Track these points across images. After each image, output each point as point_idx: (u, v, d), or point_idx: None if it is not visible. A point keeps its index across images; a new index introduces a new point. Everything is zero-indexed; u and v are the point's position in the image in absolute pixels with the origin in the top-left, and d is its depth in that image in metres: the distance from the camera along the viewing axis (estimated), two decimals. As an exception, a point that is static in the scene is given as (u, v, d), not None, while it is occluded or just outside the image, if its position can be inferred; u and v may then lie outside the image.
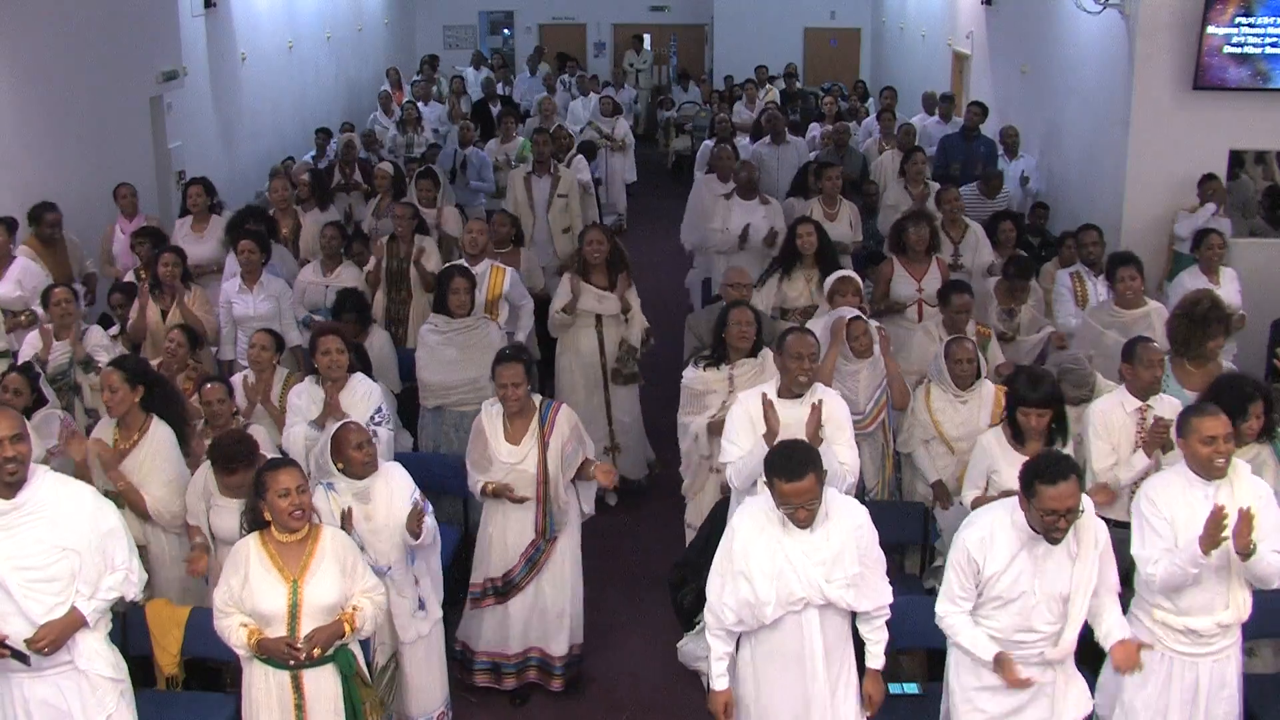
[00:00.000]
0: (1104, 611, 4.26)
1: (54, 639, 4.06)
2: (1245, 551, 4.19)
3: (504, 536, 5.51)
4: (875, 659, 4.43)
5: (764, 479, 4.29)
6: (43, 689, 4.15)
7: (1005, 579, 4.17)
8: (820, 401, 5.12)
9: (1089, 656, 4.77)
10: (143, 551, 5.20)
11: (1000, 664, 4.19)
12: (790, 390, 5.16)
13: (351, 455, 4.91)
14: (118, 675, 4.31)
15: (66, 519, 4.11)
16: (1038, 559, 4.16)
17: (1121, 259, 6.79)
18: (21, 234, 7.75)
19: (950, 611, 4.29)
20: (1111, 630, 4.24)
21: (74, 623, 4.12)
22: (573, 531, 5.68)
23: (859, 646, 4.45)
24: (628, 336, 7.40)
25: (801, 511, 4.14)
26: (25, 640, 4.03)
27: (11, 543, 4.03)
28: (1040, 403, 5.08)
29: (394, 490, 4.96)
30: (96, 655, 4.23)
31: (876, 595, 4.33)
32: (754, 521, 4.28)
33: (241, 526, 4.49)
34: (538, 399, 5.53)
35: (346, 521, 4.78)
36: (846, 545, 4.22)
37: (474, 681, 5.68)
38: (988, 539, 4.21)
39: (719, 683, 4.40)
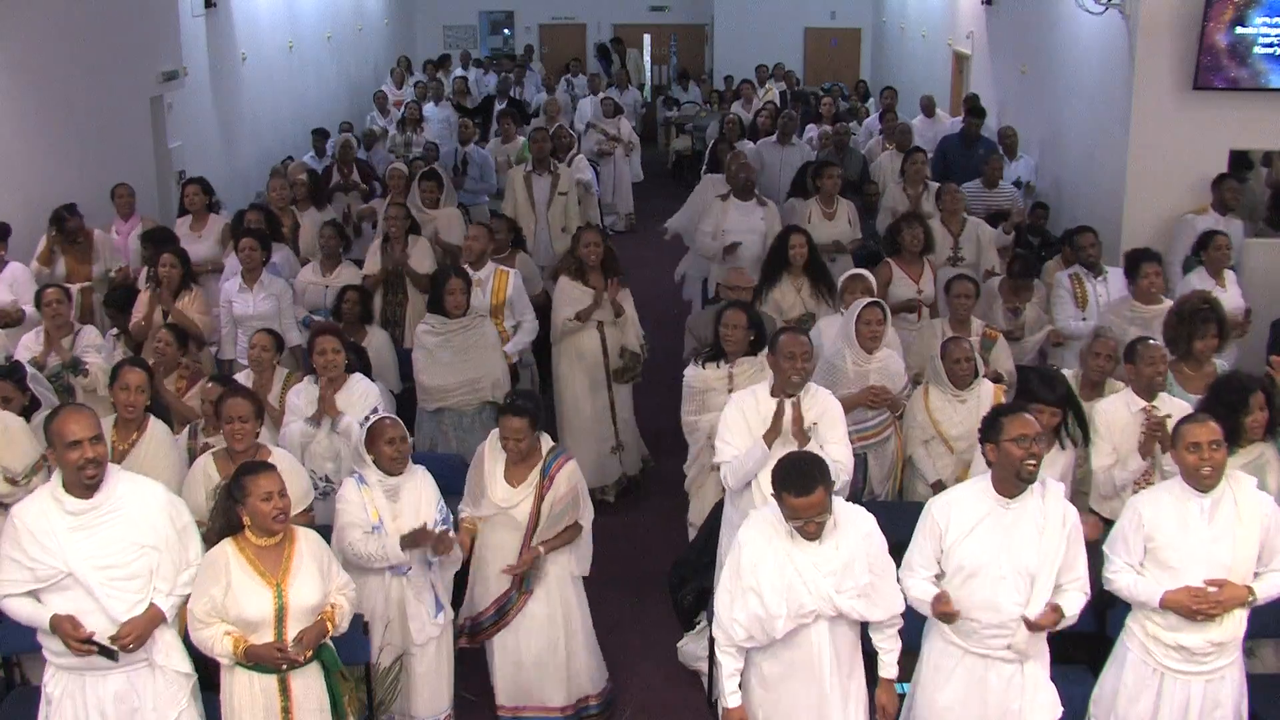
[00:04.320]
0: (1063, 597, 4.21)
1: (138, 635, 4.11)
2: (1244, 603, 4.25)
3: (486, 578, 5.31)
4: (888, 668, 4.37)
5: (770, 490, 4.26)
6: (117, 685, 4.17)
7: (968, 545, 4.16)
8: (798, 399, 5.06)
9: (1088, 655, 4.78)
10: None
11: (938, 599, 4.20)
12: (784, 390, 5.11)
13: (382, 449, 4.94)
14: (191, 670, 4.34)
15: (144, 516, 4.16)
16: (1005, 528, 4.16)
17: (1144, 255, 6.78)
18: (21, 235, 7.76)
19: (908, 579, 4.29)
20: (1062, 603, 4.20)
21: (154, 618, 4.16)
22: (569, 591, 5.38)
23: (868, 656, 4.42)
24: (626, 342, 7.38)
25: (811, 525, 4.11)
26: (109, 638, 4.07)
27: (92, 542, 4.07)
28: (1054, 403, 5.09)
29: (422, 493, 5.01)
30: (173, 650, 4.27)
31: (889, 604, 4.27)
32: (761, 534, 4.23)
33: (211, 532, 4.41)
34: (546, 445, 5.25)
35: (424, 536, 4.84)
36: (856, 554, 4.18)
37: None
38: (953, 503, 4.26)
39: (731, 699, 4.32)
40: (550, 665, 5.36)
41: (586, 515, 5.39)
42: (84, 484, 4.07)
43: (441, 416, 6.75)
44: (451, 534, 5.03)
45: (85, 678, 4.16)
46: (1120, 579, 4.36)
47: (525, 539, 5.20)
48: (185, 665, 4.31)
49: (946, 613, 4.21)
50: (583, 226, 7.98)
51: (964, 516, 4.20)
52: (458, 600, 5.58)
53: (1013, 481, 4.17)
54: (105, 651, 4.08)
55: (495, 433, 5.29)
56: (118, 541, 4.10)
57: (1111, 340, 5.82)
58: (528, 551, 5.17)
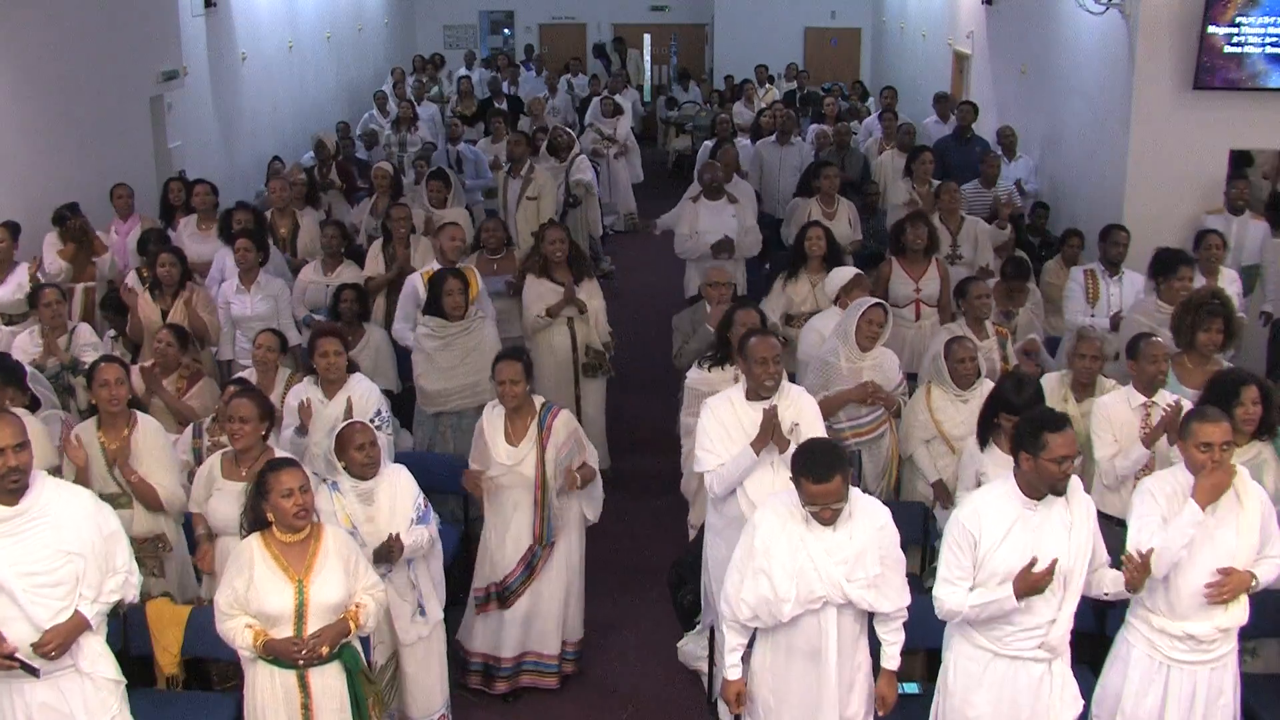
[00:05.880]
0: (1100, 575, 4.28)
1: (60, 643, 4.06)
2: (1247, 588, 4.27)
3: (503, 541, 5.51)
4: (891, 660, 4.44)
5: (756, 496, 4.29)
6: (44, 693, 4.12)
7: (1003, 551, 4.15)
8: (775, 406, 5.02)
9: (1088, 655, 4.78)
10: (158, 542, 5.29)
11: (1022, 579, 4.09)
12: (757, 394, 5.08)
13: (352, 455, 4.92)
14: (119, 677, 4.31)
15: (70, 523, 4.11)
16: (1034, 529, 4.16)
17: (1182, 258, 6.76)
18: (30, 233, 7.76)
19: (949, 593, 4.23)
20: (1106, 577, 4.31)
21: (78, 626, 4.12)
22: (573, 536, 5.65)
23: (873, 647, 4.46)
24: (589, 340, 7.38)
25: (827, 511, 4.19)
26: (31, 645, 4.03)
27: (17, 549, 4.02)
28: (1019, 407, 5.04)
29: (398, 494, 4.98)
30: (100, 657, 4.23)
31: (897, 597, 4.33)
32: (777, 518, 4.30)
33: (241, 527, 4.48)
34: (539, 401, 5.50)
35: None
36: (869, 545, 4.25)
37: (466, 682, 5.68)
38: (981, 510, 4.23)
39: (731, 672, 4.44)
40: (553, 613, 5.59)
41: (592, 457, 5.63)
42: (7, 490, 4.01)
43: (440, 417, 6.75)
44: (432, 532, 5.04)
45: (10, 685, 4.10)
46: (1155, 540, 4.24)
47: (535, 492, 5.39)
48: (113, 671, 4.27)
49: (1037, 579, 4.10)
50: (545, 224, 7.91)
51: (995, 524, 4.19)
52: (454, 598, 5.60)
53: (1043, 490, 4.18)
54: (27, 668, 4.01)
55: (488, 405, 5.55)
56: (43, 548, 4.04)
57: (1095, 341, 5.84)
58: (568, 475, 5.42)
